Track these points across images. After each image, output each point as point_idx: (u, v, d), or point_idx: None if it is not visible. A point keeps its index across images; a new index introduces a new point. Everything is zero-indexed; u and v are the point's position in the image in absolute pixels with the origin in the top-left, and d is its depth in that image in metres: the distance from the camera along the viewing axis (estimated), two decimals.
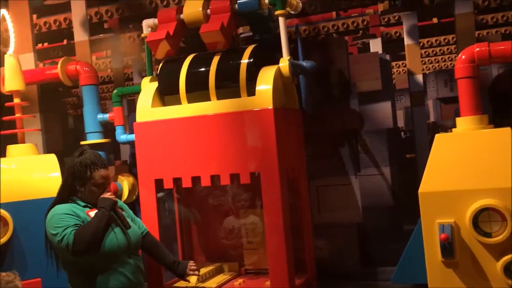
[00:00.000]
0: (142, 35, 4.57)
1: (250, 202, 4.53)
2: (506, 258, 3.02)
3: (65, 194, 3.28)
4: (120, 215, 3.28)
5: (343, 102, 5.15)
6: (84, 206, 3.26)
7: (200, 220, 4.75)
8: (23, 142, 4.66)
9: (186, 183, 4.09)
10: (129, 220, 3.38)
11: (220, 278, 4.31)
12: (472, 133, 3.32)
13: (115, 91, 4.95)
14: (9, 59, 4.61)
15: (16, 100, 4.63)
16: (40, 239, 3.37)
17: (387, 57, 8.30)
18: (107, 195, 3.25)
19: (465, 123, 3.37)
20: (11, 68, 4.59)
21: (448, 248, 3.10)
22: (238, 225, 4.56)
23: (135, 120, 4.30)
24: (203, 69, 4.20)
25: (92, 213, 3.20)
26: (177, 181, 4.13)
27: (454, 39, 9.29)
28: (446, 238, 3.06)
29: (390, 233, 6.00)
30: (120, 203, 3.53)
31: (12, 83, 4.58)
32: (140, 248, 3.47)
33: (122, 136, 4.82)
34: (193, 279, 4.01)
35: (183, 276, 3.59)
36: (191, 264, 3.61)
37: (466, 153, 3.24)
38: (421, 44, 10.22)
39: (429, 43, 10.60)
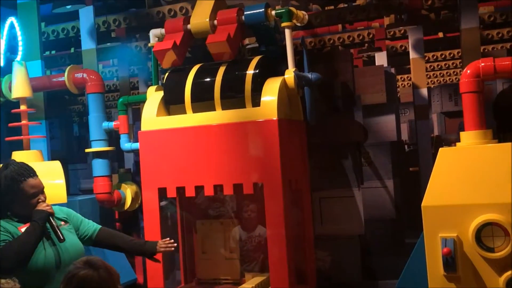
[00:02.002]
0: (149, 44, 4.61)
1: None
2: (508, 273, 3.01)
3: None
4: (54, 227, 2.98)
5: (347, 114, 5.17)
6: (18, 221, 3.00)
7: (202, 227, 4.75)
8: (28, 148, 4.68)
9: (190, 192, 4.10)
10: (69, 233, 3.09)
11: None
12: (476, 147, 3.32)
13: (120, 99, 4.98)
14: (17, 66, 4.65)
15: (23, 107, 4.66)
16: None
17: (392, 70, 8.32)
18: (42, 206, 2.99)
19: (469, 138, 3.37)
20: (19, 75, 4.62)
21: (451, 262, 3.09)
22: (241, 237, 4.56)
23: (139, 129, 4.33)
24: (208, 79, 4.23)
25: (24, 229, 2.95)
26: (180, 190, 4.15)
27: (459, 54, 9.32)
28: (449, 252, 3.05)
29: (392, 246, 5.97)
30: (66, 212, 3.23)
31: (20, 90, 4.61)
32: None
33: (126, 144, 4.84)
34: None
35: (153, 254, 3.32)
36: (163, 241, 3.33)
37: (470, 167, 3.24)
38: (426, 58, 10.24)
39: (434, 57, 10.63)
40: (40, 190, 3.05)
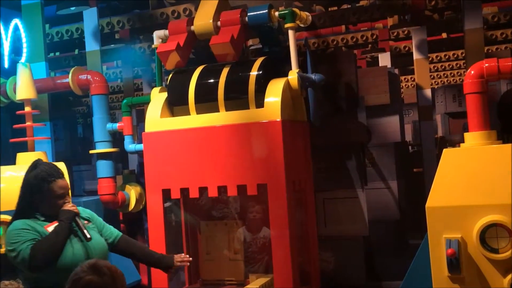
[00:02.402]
0: (153, 46, 4.62)
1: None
2: None
3: (24, 210, 3.11)
4: (80, 227, 3.09)
5: (350, 115, 5.16)
6: (44, 220, 3.09)
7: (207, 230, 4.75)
8: (33, 150, 4.70)
9: (194, 194, 4.11)
10: (93, 232, 3.19)
11: None
12: (480, 148, 3.31)
13: (124, 101, 4.99)
14: (21, 68, 4.66)
15: (27, 109, 4.67)
16: None
17: (396, 71, 8.31)
18: (68, 206, 3.09)
19: (473, 139, 3.37)
20: (23, 77, 4.64)
21: (455, 263, 3.08)
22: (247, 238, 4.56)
23: (143, 130, 4.34)
24: (212, 80, 4.23)
25: (51, 228, 3.04)
26: (184, 191, 4.15)
27: (463, 54, 9.29)
28: (453, 253, 3.04)
29: (396, 247, 5.97)
30: (88, 212, 3.34)
31: (24, 91, 4.63)
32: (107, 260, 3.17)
33: (130, 145, 4.86)
34: None
35: (170, 267, 3.42)
36: (179, 255, 3.44)
37: (474, 168, 3.24)
38: (430, 58, 10.23)
39: (438, 57, 10.61)
40: (67, 191, 3.15)
